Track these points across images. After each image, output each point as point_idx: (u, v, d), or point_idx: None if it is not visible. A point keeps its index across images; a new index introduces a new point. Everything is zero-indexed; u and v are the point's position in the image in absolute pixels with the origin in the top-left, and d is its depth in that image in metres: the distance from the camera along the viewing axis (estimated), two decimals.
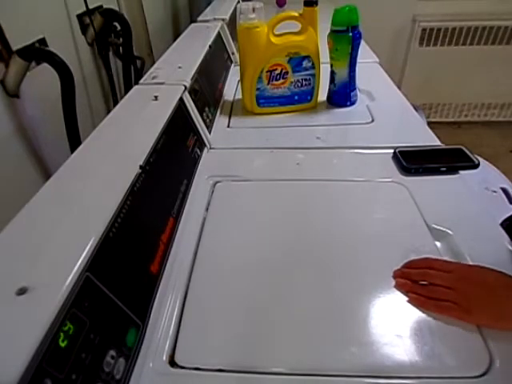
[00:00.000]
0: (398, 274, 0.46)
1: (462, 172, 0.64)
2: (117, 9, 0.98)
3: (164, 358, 0.39)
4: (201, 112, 0.75)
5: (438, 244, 0.51)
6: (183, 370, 0.37)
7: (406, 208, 0.57)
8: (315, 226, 0.54)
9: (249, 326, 0.41)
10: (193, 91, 0.74)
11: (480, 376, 0.36)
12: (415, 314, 0.42)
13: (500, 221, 0.57)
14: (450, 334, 0.40)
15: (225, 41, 1.16)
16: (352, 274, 0.47)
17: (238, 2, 1.48)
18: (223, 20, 1.19)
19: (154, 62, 0.83)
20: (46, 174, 0.70)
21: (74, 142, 0.69)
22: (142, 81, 0.73)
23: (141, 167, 0.47)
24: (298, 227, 0.54)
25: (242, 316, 0.42)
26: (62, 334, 0.29)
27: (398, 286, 0.44)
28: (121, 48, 0.94)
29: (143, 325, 0.40)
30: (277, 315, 0.42)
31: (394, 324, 0.41)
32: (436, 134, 0.74)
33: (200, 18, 1.22)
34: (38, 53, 0.66)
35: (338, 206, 0.58)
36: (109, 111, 0.61)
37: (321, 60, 0.85)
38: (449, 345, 0.39)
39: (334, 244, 0.51)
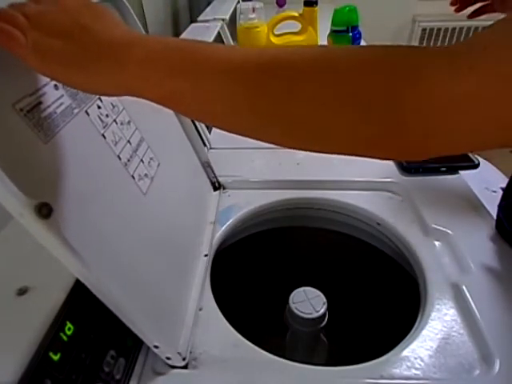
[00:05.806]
0: None
1: (461, 172, 0.64)
2: None
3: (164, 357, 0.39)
4: None
5: (438, 244, 0.51)
6: (183, 370, 0.37)
7: None
8: None
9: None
10: None
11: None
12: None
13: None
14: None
15: (225, 41, 1.16)
16: None
17: (238, 2, 1.48)
18: (223, 20, 1.19)
19: None
20: None
21: None
22: None
23: None
24: None
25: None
26: (62, 334, 0.29)
27: None
28: None
29: None
30: None
31: None
32: None
33: (200, 18, 1.22)
34: None
35: None
36: None
37: None
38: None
39: None
